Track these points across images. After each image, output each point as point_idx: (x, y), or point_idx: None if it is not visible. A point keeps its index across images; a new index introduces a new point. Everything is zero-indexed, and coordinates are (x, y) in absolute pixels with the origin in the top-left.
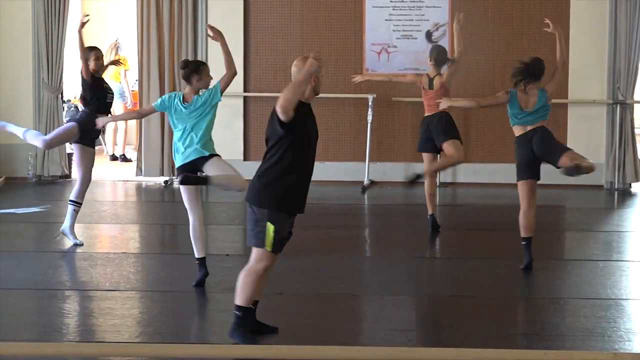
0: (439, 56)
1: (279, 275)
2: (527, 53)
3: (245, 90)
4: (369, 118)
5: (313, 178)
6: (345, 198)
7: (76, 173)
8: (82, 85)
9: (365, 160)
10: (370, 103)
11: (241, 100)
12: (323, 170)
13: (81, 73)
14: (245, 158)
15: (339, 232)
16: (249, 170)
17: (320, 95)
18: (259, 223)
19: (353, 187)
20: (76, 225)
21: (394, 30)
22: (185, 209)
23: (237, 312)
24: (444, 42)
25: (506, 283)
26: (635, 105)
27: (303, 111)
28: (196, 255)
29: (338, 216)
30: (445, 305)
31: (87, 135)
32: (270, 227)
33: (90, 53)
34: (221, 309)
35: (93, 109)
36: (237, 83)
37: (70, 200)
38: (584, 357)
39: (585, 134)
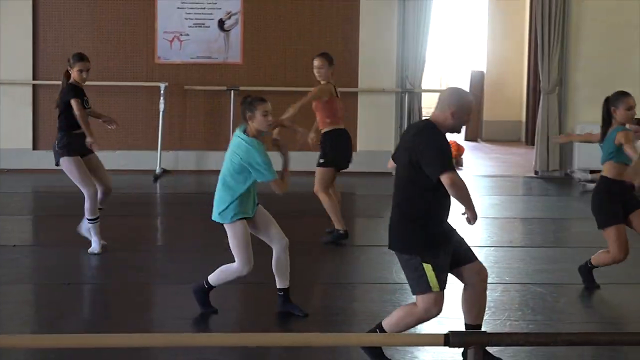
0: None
1: (69, 267)
2: (317, 43)
3: (34, 78)
4: (161, 106)
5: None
6: (136, 187)
7: None
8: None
9: (157, 149)
10: (162, 91)
11: (30, 88)
12: (114, 159)
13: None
14: (35, 147)
15: (130, 221)
16: (38, 159)
17: (111, 83)
18: (416, 268)
19: (145, 175)
20: None
21: (186, 19)
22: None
23: (377, 330)
24: (236, 31)
25: (295, 271)
26: (423, 94)
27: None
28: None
29: (130, 205)
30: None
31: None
32: (428, 267)
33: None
34: (6, 301)
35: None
36: (26, 71)
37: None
38: (360, 339)
39: (375, 121)
